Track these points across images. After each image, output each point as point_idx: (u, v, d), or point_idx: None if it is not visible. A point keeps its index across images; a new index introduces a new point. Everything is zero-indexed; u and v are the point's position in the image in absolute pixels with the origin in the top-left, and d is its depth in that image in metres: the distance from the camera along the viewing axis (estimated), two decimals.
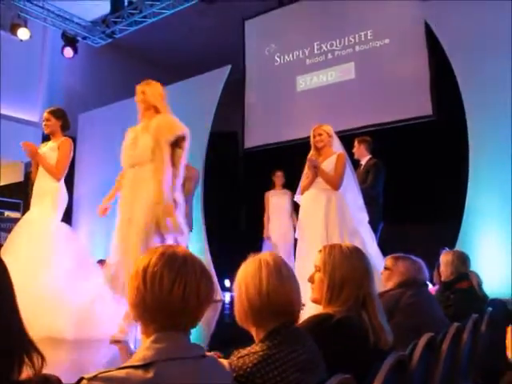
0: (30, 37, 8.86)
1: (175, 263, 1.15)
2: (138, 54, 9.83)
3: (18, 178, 9.38)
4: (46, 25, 9.44)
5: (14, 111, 9.21)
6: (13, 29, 8.79)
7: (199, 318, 1.18)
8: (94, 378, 1.00)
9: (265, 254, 1.50)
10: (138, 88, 3.70)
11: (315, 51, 7.80)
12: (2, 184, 9.75)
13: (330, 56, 7.64)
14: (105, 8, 9.24)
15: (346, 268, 1.85)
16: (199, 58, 8.43)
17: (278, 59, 8.19)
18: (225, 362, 1.25)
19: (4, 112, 8.94)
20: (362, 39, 7.36)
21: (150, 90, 3.68)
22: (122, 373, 1.02)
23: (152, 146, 3.42)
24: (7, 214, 9.55)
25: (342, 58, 7.48)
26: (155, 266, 1.14)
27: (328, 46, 7.67)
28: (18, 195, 9.17)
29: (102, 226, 8.61)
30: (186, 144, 3.57)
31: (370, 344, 1.75)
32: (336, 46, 7.59)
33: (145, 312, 1.14)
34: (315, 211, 4.10)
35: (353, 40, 7.45)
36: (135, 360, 1.06)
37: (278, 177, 6.80)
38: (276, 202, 6.75)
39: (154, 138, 3.44)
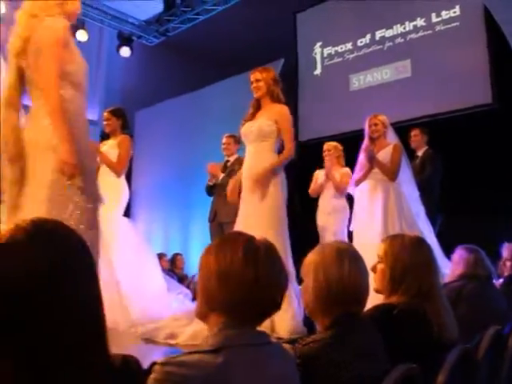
0: (88, 39, 9.11)
1: (255, 258, 1.16)
2: (191, 51, 9.96)
3: None
4: (102, 26, 9.71)
5: None
6: (71, 31, 9.07)
7: (272, 308, 1.20)
8: (167, 363, 1.04)
9: (333, 242, 1.51)
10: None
11: (368, 42, 7.69)
12: None
13: (383, 47, 7.51)
14: (158, 7, 9.42)
15: (406, 259, 1.83)
16: (251, 52, 8.44)
17: (331, 52, 8.12)
18: (289, 348, 1.26)
19: None
20: (417, 27, 7.19)
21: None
22: (192, 357, 1.06)
23: None
24: None
25: (397, 49, 7.33)
26: (234, 262, 1.15)
27: (381, 37, 7.54)
28: None
29: (159, 222, 8.83)
30: None
31: (434, 336, 1.72)
32: (389, 36, 7.46)
33: (216, 303, 1.17)
34: (373, 202, 4.07)
35: (407, 29, 7.29)
36: (205, 346, 1.10)
37: None
38: None
39: None
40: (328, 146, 5.35)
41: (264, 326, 1.23)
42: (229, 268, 1.14)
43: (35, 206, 2.43)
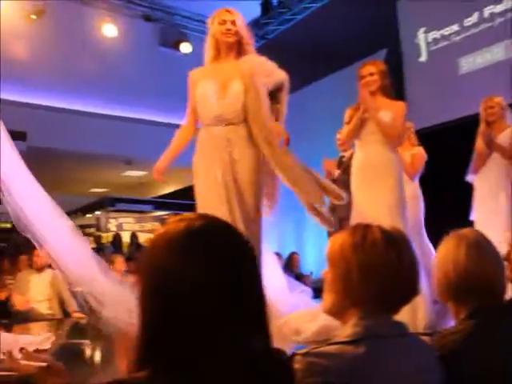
0: (192, 50, 9.44)
1: (394, 241, 1.17)
2: (292, 52, 10.00)
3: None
4: (204, 37, 10.03)
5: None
6: (175, 45, 9.49)
7: (412, 292, 1.20)
8: (307, 353, 1.08)
9: (466, 230, 1.47)
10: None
11: (476, 21, 7.28)
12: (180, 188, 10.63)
13: (494, 24, 7.07)
14: (256, 11, 9.58)
15: None
16: (352, 46, 8.34)
17: (436, 36, 7.80)
18: (427, 340, 1.25)
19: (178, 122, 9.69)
20: None
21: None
22: (332, 348, 1.08)
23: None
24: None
25: (510, 25, 6.86)
26: (375, 249, 1.16)
27: (491, 13, 7.10)
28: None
29: (272, 221, 8.95)
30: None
31: None
32: (500, 12, 7.00)
33: (357, 295, 1.16)
34: (496, 190, 3.87)
35: None
36: (344, 336, 1.11)
37: None
38: None
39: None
40: None
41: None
42: (371, 256, 1.14)
43: None
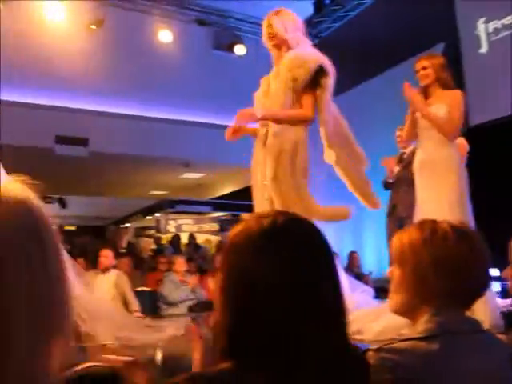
0: (246, 52, 9.49)
1: (464, 233, 1.15)
2: (346, 49, 9.92)
3: None
4: (258, 38, 10.07)
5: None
6: (229, 47, 9.57)
7: (483, 285, 1.17)
8: (380, 349, 1.07)
9: None
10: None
11: None
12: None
13: None
14: (308, 10, 9.54)
15: None
16: (408, 41, 8.17)
17: (497, 26, 7.52)
18: (502, 337, 1.21)
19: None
20: None
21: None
22: (406, 344, 1.07)
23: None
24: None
25: None
26: (447, 242, 1.14)
27: None
28: None
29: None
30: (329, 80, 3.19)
31: None
32: None
33: (431, 292, 1.15)
34: None
35: None
36: (417, 332, 1.10)
37: None
38: None
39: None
40: None
41: None
42: (443, 250, 1.13)
43: None
